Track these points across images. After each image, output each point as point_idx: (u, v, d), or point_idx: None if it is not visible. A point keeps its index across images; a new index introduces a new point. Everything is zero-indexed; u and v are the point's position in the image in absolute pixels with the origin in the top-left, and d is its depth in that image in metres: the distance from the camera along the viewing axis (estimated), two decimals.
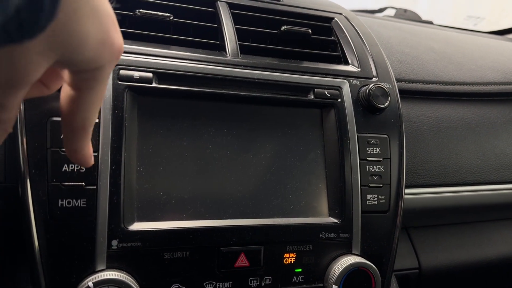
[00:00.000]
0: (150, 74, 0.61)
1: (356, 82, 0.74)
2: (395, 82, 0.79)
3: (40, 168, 0.54)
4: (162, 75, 0.62)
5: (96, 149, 0.56)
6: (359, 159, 0.70)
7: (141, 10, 0.68)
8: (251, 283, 0.64)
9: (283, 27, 0.77)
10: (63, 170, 0.55)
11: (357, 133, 0.71)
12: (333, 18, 0.86)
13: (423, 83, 0.99)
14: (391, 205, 0.72)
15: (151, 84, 0.61)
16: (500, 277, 1.13)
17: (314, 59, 0.77)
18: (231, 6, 0.76)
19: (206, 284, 0.61)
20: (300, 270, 0.66)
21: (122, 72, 0.59)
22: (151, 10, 0.68)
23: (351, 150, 0.70)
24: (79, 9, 0.32)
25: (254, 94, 0.67)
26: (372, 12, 1.72)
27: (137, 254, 0.57)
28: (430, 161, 0.94)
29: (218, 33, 0.73)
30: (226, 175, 0.63)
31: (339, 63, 0.80)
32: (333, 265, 0.67)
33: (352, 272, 0.66)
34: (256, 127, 0.67)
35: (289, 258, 0.65)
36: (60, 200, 0.54)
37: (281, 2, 0.84)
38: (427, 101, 0.99)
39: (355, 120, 0.71)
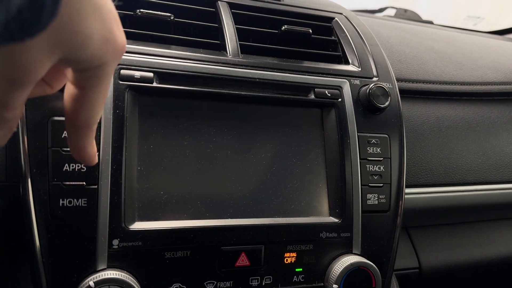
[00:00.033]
0: (151, 74, 0.61)
1: (357, 81, 0.74)
2: (395, 81, 0.79)
3: (41, 168, 0.54)
4: (163, 75, 0.62)
5: (97, 149, 0.56)
6: (360, 158, 0.70)
7: (142, 10, 0.68)
8: (251, 282, 0.64)
9: (283, 27, 0.77)
10: (64, 169, 0.55)
11: (357, 132, 0.71)
12: (333, 18, 0.86)
13: (423, 82, 0.99)
14: (391, 204, 0.72)
15: (152, 83, 0.61)
16: (500, 277, 1.13)
17: (314, 58, 0.77)
18: (231, 6, 0.76)
19: (206, 284, 0.61)
20: (301, 269, 0.66)
21: (123, 71, 0.60)
22: (152, 10, 0.68)
23: (352, 150, 0.70)
24: (82, 8, 0.32)
25: (254, 93, 0.67)
26: (373, 12, 1.72)
27: (138, 253, 0.57)
28: (431, 160, 0.94)
29: (218, 33, 0.73)
30: (227, 174, 0.63)
31: (339, 62, 0.80)
32: (333, 265, 0.67)
33: (353, 271, 0.66)
34: (257, 127, 0.67)
35: (290, 257, 0.66)
36: (61, 200, 0.54)
37: (281, 2, 0.84)
38: (427, 101, 1.00)
39: (355, 120, 0.71)
